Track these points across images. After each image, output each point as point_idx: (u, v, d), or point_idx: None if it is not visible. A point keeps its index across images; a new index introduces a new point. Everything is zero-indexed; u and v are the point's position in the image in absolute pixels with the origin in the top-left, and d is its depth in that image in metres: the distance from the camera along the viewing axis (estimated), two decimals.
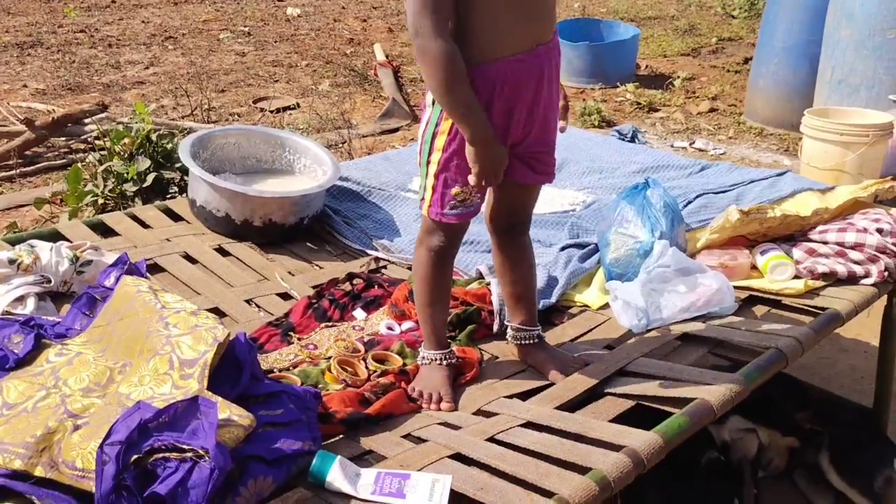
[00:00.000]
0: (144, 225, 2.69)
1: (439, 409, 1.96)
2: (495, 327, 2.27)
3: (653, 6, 9.97)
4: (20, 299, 2.10)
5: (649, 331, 2.29)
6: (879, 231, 2.46)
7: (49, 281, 2.17)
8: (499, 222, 2.07)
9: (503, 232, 2.08)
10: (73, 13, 8.85)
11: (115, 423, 1.44)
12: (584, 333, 2.33)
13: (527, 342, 2.13)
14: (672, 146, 5.74)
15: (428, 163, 1.90)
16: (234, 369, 1.67)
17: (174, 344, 1.62)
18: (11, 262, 2.15)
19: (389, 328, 2.27)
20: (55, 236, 2.57)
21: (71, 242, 2.40)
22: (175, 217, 2.77)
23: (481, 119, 1.75)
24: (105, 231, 2.66)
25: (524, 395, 2.03)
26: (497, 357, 2.18)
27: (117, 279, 1.91)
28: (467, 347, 2.17)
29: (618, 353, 2.18)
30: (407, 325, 2.30)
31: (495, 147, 1.78)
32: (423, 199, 1.94)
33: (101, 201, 4.26)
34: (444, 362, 2.03)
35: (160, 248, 2.52)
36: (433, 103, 1.87)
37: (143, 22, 8.84)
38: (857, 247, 2.43)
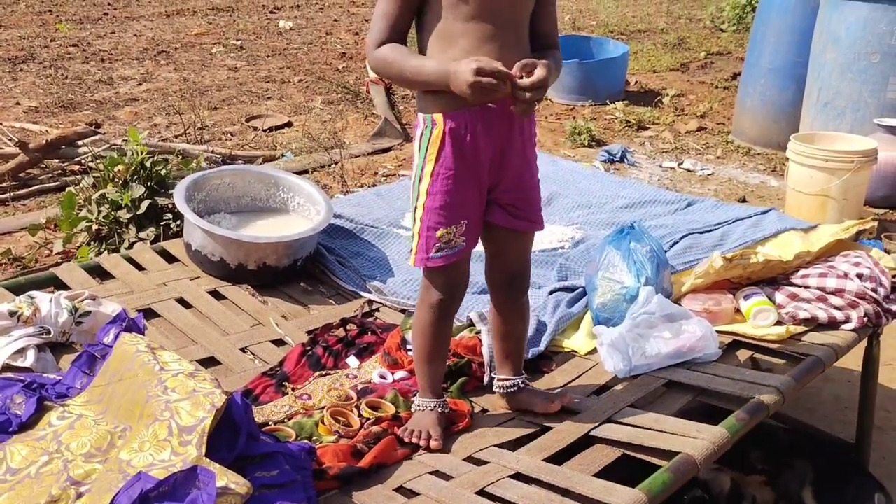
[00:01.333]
0: (140, 267, 2.74)
1: (428, 447, 2.02)
2: (485, 379, 2.33)
3: (643, 19, 10.05)
4: (20, 351, 2.15)
5: (636, 377, 2.35)
6: (859, 276, 2.52)
7: (48, 332, 2.22)
8: (496, 278, 2.11)
9: (503, 291, 2.11)
10: (65, 27, 8.87)
11: (117, 493, 1.49)
12: (573, 380, 2.38)
13: (512, 390, 2.19)
14: (661, 166, 5.81)
15: (415, 208, 1.96)
16: (230, 431, 1.72)
17: (173, 410, 1.67)
18: (12, 314, 2.20)
19: (382, 377, 2.32)
20: (53, 281, 2.62)
21: (69, 290, 2.45)
22: (170, 258, 2.82)
23: (436, 68, 1.81)
24: (101, 273, 2.70)
25: (514, 444, 2.09)
26: (487, 410, 2.23)
27: (116, 336, 1.95)
28: (459, 400, 2.23)
29: (605, 400, 2.23)
30: (400, 374, 2.35)
31: (459, 69, 1.75)
32: (410, 250, 1.99)
33: (94, 227, 4.30)
34: (438, 409, 2.09)
35: (156, 294, 2.57)
36: (418, 150, 1.93)
37: (135, 35, 8.86)
38: (837, 292, 2.50)
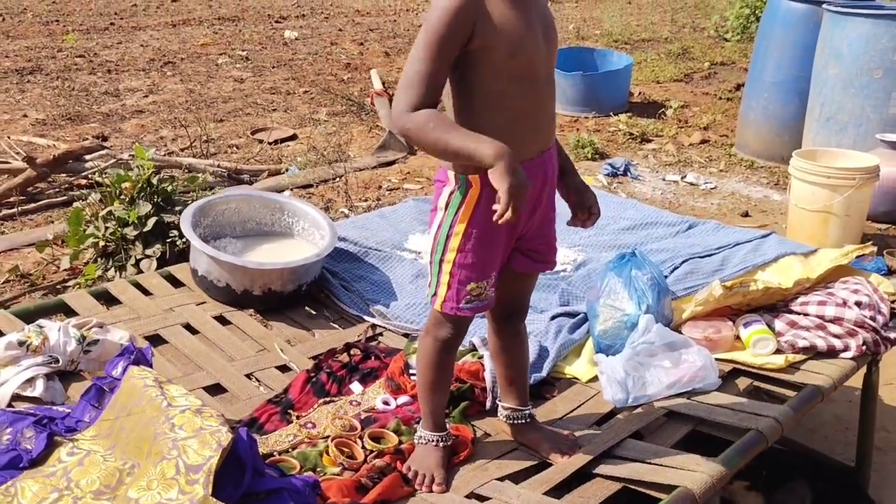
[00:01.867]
0: (147, 292, 2.78)
1: (431, 491, 2.04)
2: (488, 404, 2.35)
3: (647, 27, 10.08)
4: (30, 381, 2.19)
5: (636, 406, 2.37)
6: (858, 304, 2.55)
7: (57, 361, 2.25)
8: (499, 310, 2.14)
9: (503, 320, 2.16)
10: (71, 38, 8.92)
11: None
12: (575, 409, 2.40)
13: (519, 422, 2.22)
14: (664, 179, 5.83)
15: (442, 262, 1.94)
16: (236, 468, 1.76)
17: (180, 448, 1.70)
18: (21, 343, 2.24)
19: (385, 403, 2.35)
20: (61, 307, 2.66)
21: (78, 316, 2.48)
22: (177, 282, 2.85)
23: (490, 142, 1.72)
24: (109, 298, 2.74)
25: (515, 476, 2.11)
26: (489, 434, 2.26)
27: (125, 369, 1.99)
28: (461, 425, 2.26)
29: (606, 432, 2.25)
30: (402, 399, 2.38)
31: (518, 167, 1.71)
32: (434, 294, 1.99)
33: (101, 244, 4.34)
34: (441, 444, 2.11)
35: (163, 320, 2.60)
36: (445, 207, 1.91)
37: (141, 45, 8.92)
38: (836, 320, 2.52)
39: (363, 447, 2.13)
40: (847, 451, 3.07)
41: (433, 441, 2.11)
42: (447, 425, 2.18)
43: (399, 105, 1.79)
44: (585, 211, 2.10)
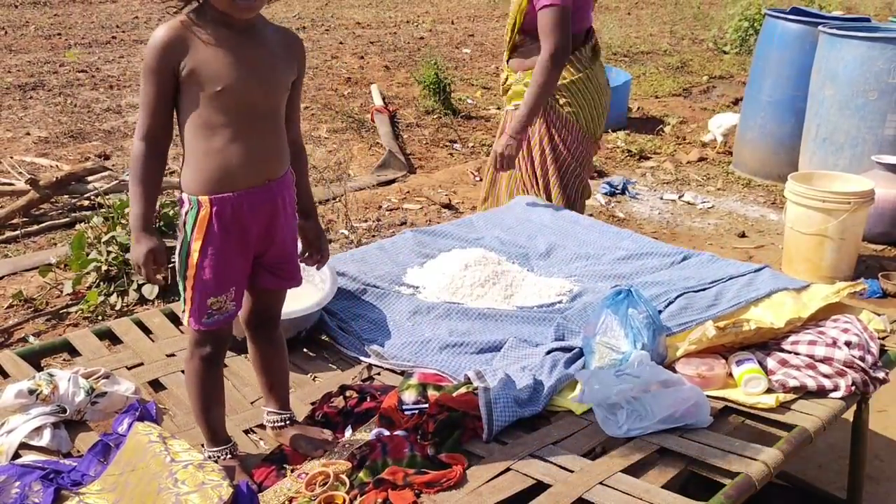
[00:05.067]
0: (149, 330, 2.83)
1: None
2: (485, 436, 2.39)
3: (646, 40, 10.12)
4: (37, 430, 2.23)
5: (629, 439, 2.41)
6: (848, 344, 2.59)
7: (64, 411, 2.29)
8: (250, 321, 2.29)
9: (255, 328, 2.30)
10: (73, 54, 8.97)
11: None
12: (567, 437, 2.43)
13: (279, 425, 2.35)
14: (661, 198, 5.89)
15: (185, 278, 2.04)
16: None
17: (183, 502, 1.75)
18: (31, 392, 2.29)
19: (378, 436, 2.37)
20: (66, 346, 2.71)
21: (85, 363, 2.54)
22: (178, 320, 2.90)
23: (136, 216, 1.98)
24: (113, 337, 2.79)
25: (510, 501, 2.14)
26: (483, 458, 2.29)
27: (129, 425, 2.05)
28: (454, 453, 2.29)
29: (599, 464, 2.28)
30: (398, 433, 2.41)
31: (143, 242, 1.98)
32: (183, 310, 2.09)
33: (104, 268, 4.40)
34: (228, 456, 2.19)
35: (165, 366, 2.64)
36: (183, 226, 2.02)
37: (142, 60, 8.96)
38: (826, 360, 2.57)
39: None
40: (840, 480, 3.11)
41: (221, 456, 2.17)
42: (233, 440, 2.25)
43: (138, 126, 2.00)
44: (313, 253, 2.33)
